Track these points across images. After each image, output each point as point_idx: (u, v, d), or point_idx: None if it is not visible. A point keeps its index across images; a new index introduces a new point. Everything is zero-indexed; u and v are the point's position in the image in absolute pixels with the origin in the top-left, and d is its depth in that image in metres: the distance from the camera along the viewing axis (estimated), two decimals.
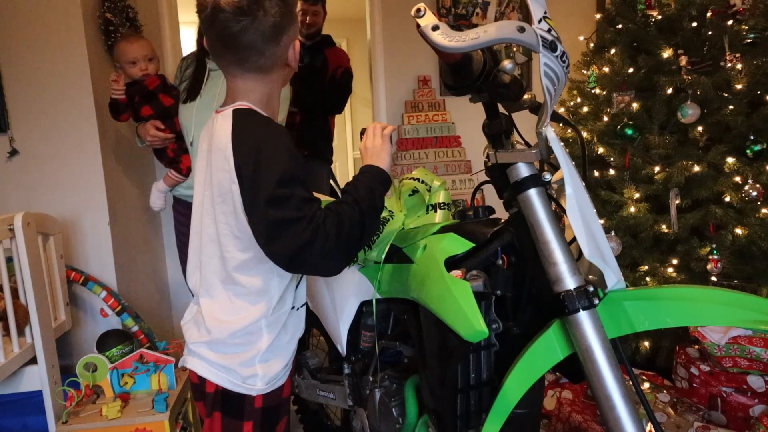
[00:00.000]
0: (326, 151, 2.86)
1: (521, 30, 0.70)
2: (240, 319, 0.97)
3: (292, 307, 1.04)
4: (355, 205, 0.92)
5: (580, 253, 0.83)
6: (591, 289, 0.81)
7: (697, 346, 1.84)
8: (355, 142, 5.82)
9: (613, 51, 2.29)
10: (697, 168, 1.97)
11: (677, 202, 1.98)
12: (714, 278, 1.90)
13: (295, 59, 1.01)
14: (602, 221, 2.14)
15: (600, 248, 0.83)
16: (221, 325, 0.98)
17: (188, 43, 2.87)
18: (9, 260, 1.67)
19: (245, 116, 0.95)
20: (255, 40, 0.92)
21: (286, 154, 0.89)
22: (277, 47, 0.95)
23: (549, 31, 0.72)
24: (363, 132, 1.08)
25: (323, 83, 2.70)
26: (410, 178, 1.13)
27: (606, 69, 2.31)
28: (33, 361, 1.67)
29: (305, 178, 0.92)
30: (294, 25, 0.98)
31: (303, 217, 0.85)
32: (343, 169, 5.87)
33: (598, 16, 2.53)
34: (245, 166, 0.89)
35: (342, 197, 0.95)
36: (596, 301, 0.81)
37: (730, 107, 1.95)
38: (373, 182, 0.97)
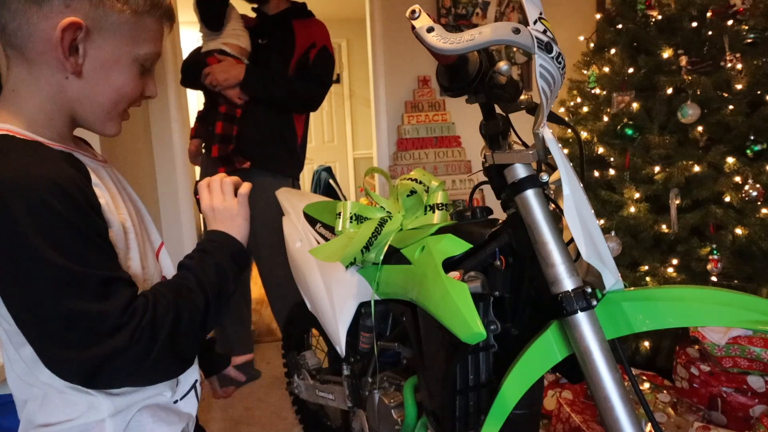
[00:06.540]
0: (282, 162, 2.12)
1: (516, 31, 0.70)
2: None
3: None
4: (200, 290, 0.67)
5: (579, 254, 0.83)
6: (589, 290, 0.81)
7: (697, 346, 1.83)
8: (356, 142, 5.76)
9: (613, 51, 2.29)
10: (697, 168, 1.97)
11: (677, 202, 1.98)
12: (714, 278, 1.90)
13: (65, 52, 0.62)
14: (602, 221, 2.14)
15: (598, 249, 0.83)
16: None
17: (188, 43, 2.88)
18: None
19: None
20: None
21: (67, 205, 0.58)
22: (35, 12, 0.60)
23: (544, 32, 0.72)
24: (197, 190, 0.83)
25: (286, 67, 2.07)
26: (408, 179, 1.13)
27: (606, 69, 2.30)
28: None
29: (103, 246, 0.63)
30: None
31: (111, 311, 0.58)
32: (343, 170, 5.81)
33: (598, 16, 2.52)
34: None
35: (180, 274, 0.70)
36: (594, 302, 0.81)
37: (730, 107, 1.95)
38: (223, 257, 0.73)
